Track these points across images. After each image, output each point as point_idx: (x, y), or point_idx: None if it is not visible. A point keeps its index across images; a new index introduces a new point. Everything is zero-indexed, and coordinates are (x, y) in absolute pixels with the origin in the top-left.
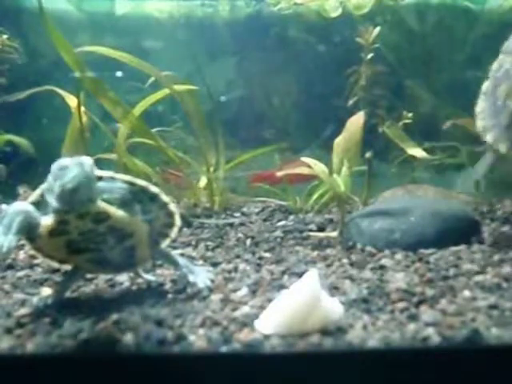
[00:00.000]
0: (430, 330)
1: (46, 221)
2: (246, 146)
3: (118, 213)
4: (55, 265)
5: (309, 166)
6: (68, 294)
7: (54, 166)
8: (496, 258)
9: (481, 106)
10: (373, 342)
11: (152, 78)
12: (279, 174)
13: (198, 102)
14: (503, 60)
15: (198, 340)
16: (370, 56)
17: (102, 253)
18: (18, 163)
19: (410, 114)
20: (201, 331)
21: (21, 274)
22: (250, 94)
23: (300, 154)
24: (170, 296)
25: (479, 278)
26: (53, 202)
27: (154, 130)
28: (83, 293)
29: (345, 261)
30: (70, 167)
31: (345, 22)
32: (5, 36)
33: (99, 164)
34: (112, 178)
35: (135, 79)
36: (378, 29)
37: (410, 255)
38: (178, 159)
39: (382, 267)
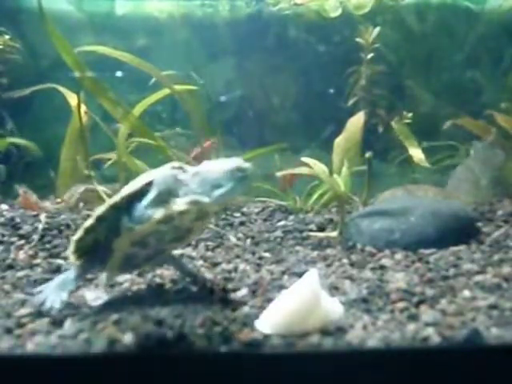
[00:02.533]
0: (430, 330)
1: (174, 207)
2: (245, 146)
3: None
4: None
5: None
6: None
7: (232, 164)
8: (496, 257)
9: None
10: (373, 342)
11: (153, 79)
12: (280, 174)
13: (198, 102)
14: None
15: (197, 340)
16: (370, 56)
17: (143, 250)
18: (18, 163)
19: (410, 114)
20: (201, 331)
21: (21, 274)
22: (249, 94)
23: (300, 154)
24: (169, 296)
25: (479, 277)
26: (207, 193)
27: (158, 134)
28: (83, 293)
29: (345, 261)
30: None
31: (345, 22)
32: (7, 36)
33: (99, 164)
34: None
35: (135, 79)
36: (378, 29)
37: (409, 255)
38: (178, 159)
39: (382, 267)
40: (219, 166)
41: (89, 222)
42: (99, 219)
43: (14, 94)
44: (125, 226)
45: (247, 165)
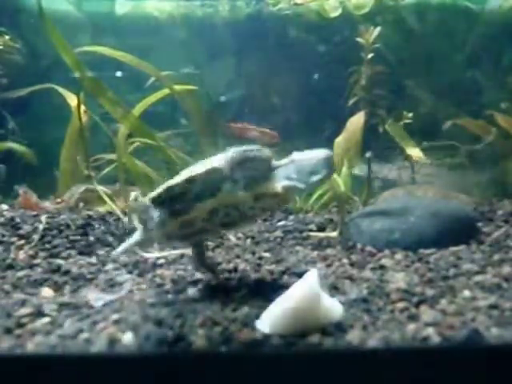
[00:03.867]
0: (430, 330)
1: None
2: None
3: None
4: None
5: None
6: (68, 293)
7: (324, 153)
8: (496, 257)
9: None
10: (373, 342)
11: (152, 79)
12: None
13: (198, 102)
14: None
15: (198, 340)
16: (370, 56)
17: (207, 222)
18: (18, 163)
19: (410, 114)
20: (201, 331)
21: (21, 273)
22: (249, 93)
23: None
24: (169, 296)
25: (479, 277)
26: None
27: (160, 135)
28: (84, 293)
29: (345, 261)
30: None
31: (345, 22)
32: (7, 37)
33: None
34: None
35: (135, 79)
36: (378, 29)
37: (409, 255)
38: (177, 159)
39: (382, 267)
40: (313, 155)
41: (199, 170)
42: (214, 171)
43: (11, 94)
44: (239, 185)
45: (332, 154)
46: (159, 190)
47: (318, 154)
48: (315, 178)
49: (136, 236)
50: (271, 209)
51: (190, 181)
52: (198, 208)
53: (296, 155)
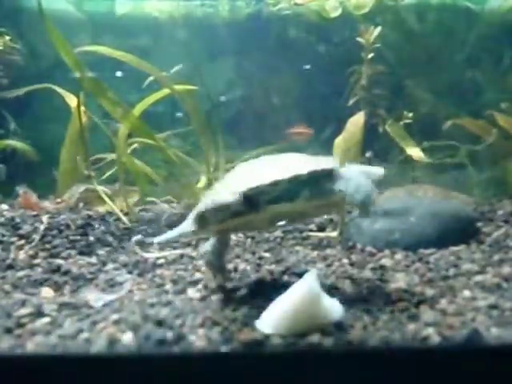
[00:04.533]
0: (430, 330)
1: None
2: (245, 146)
3: None
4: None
5: None
6: (68, 293)
7: (381, 171)
8: (496, 257)
9: None
10: (373, 342)
11: (150, 78)
12: None
13: (197, 102)
14: None
15: (198, 340)
16: (370, 56)
17: (260, 223)
18: (18, 163)
19: (410, 114)
20: (201, 331)
21: (21, 274)
22: (249, 94)
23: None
24: (169, 296)
25: (479, 277)
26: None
27: (161, 135)
28: (84, 293)
29: (345, 261)
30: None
31: (345, 22)
32: (7, 37)
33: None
34: None
35: (135, 79)
36: (378, 29)
37: (409, 255)
38: (177, 159)
39: (382, 267)
40: (371, 170)
41: (283, 175)
42: (296, 178)
43: (9, 94)
44: (322, 191)
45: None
46: (241, 189)
47: (376, 170)
48: (372, 193)
49: (183, 227)
50: (319, 216)
51: (274, 183)
52: (270, 210)
53: (354, 167)
